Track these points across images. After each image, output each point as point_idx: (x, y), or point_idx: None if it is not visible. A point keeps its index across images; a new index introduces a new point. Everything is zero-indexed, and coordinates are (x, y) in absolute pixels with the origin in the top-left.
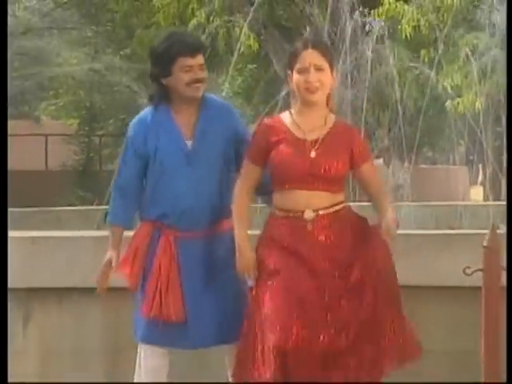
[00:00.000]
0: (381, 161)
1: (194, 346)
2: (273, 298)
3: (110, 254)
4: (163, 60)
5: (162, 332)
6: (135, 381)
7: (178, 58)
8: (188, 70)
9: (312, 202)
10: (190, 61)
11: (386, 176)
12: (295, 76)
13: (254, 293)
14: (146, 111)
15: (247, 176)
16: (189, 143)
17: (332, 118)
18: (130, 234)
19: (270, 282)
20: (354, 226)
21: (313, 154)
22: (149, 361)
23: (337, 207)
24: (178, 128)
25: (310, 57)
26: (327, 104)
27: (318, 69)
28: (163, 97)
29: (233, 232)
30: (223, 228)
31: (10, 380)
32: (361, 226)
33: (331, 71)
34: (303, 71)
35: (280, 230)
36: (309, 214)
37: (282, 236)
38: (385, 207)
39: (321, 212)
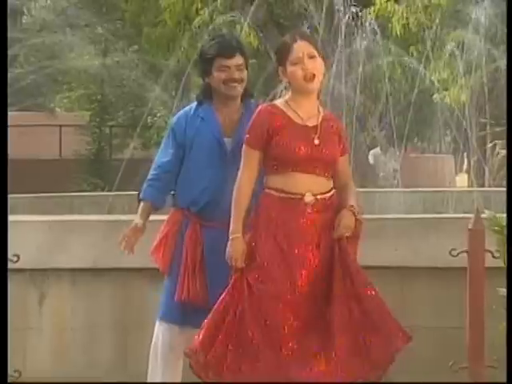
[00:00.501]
0: (378, 149)
1: None
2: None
3: (136, 220)
4: (205, 60)
5: (187, 313)
6: (150, 359)
7: (216, 58)
8: (224, 70)
9: (312, 187)
10: (226, 61)
11: (384, 162)
12: (290, 68)
13: (238, 280)
14: (191, 106)
15: (249, 163)
16: (227, 141)
17: (320, 107)
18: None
19: (257, 276)
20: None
21: (316, 141)
22: (166, 339)
23: (331, 193)
24: (219, 124)
25: (302, 47)
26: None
27: (311, 57)
28: (207, 94)
29: None
30: None
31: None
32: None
33: (322, 58)
34: (298, 61)
35: (277, 211)
36: (309, 198)
37: (280, 217)
38: (350, 199)
39: (319, 197)
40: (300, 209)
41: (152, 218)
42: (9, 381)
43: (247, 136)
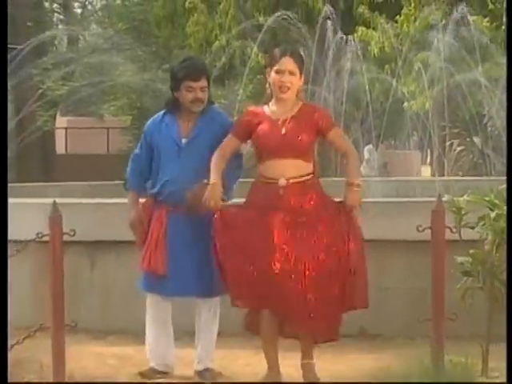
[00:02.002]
0: (371, 146)
1: (173, 294)
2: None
3: (133, 213)
4: (175, 79)
5: (152, 281)
6: (146, 323)
7: (184, 80)
8: (191, 91)
9: (285, 171)
10: (192, 83)
11: (375, 156)
12: (273, 75)
13: (217, 222)
14: (159, 114)
15: (226, 144)
16: (184, 140)
17: (299, 103)
18: None
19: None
20: (320, 196)
21: (283, 131)
22: (150, 305)
23: (306, 177)
24: (179, 129)
25: (287, 63)
26: (297, 95)
27: (291, 73)
28: (175, 107)
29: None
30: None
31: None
32: (326, 198)
33: (301, 74)
34: (279, 73)
35: (259, 194)
36: (282, 181)
37: (260, 199)
38: (350, 174)
39: (291, 180)
40: (275, 191)
41: None
42: (67, 329)
43: (233, 127)
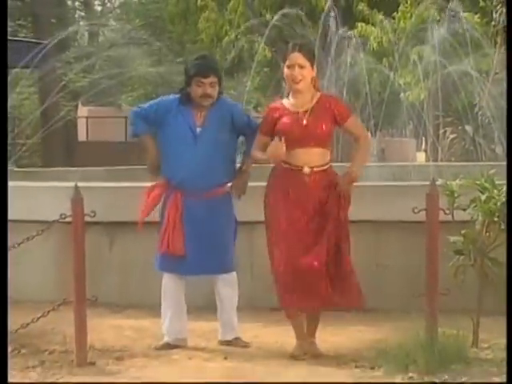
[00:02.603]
0: (368, 133)
1: (191, 273)
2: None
3: (154, 153)
4: (187, 75)
5: (170, 262)
6: (162, 301)
7: (195, 76)
8: (200, 86)
9: (308, 159)
10: (202, 79)
11: (373, 144)
12: (285, 70)
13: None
14: (177, 97)
15: (258, 142)
16: (198, 129)
17: (317, 94)
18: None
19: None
20: (335, 181)
21: (305, 122)
22: (167, 285)
23: (326, 166)
24: (194, 118)
25: (296, 57)
26: (314, 86)
27: (301, 66)
28: (188, 100)
29: (224, 195)
30: (217, 193)
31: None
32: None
33: (312, 66)
34: (290, 67)
35: (284, 179)
36: (306, 169)
37: (286, 184)
38: (355, 159)
39: (315, 169)
40: (300, 177)
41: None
42: (88, 303)
43: (259, 127)
